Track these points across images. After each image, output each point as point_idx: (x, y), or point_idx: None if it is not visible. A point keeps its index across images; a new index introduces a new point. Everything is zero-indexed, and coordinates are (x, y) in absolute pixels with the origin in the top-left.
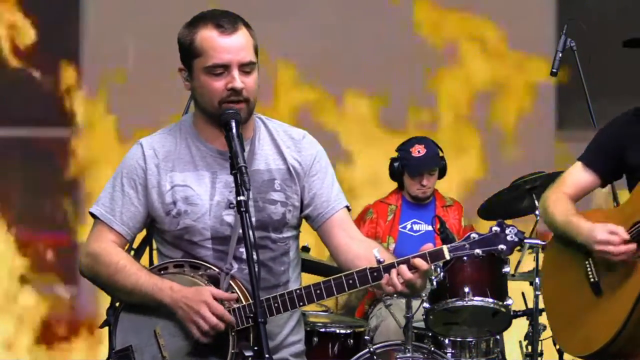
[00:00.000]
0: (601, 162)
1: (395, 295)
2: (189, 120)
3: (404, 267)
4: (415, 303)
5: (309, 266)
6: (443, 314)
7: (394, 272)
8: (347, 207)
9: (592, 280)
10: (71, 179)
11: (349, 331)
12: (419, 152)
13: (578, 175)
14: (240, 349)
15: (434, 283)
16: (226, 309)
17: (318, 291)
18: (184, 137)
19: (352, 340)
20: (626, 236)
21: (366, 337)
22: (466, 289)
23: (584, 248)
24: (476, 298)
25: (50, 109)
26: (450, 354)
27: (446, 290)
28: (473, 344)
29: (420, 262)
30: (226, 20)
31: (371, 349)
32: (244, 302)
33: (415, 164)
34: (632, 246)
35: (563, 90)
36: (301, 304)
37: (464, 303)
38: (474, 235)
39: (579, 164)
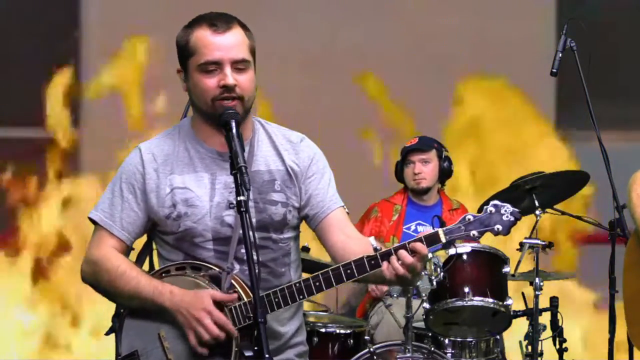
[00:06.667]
0: None
1: (395, 295)
2: (188, 122)
3: (403, 252)
4: (415, 303)
5: (309, 266)
6: (443, 314)
7: (393, 258)
8: (343, 208)
9: None
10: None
11: (349, 331)
12: (411, 142)
13: None
14: (240, 349)
15: (434, 283)
16: (227, 308)
17: (317, 283)
18: (182, 140)
19: (352, 340)
20: None
21: (366, 337)
22: (466, 289)
23: None
24: (476, 298)
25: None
26: (450, 354)
27: (446, 290)
28: (473, 344)
29: (419, 246)
30: (220, 20)
31: (371, 349)
32: (246, 300)
33: (407, 150)
34: None
35: (563, 90)
36: (301, 297)
37: (464, 303)
38: (469, 217)
39: None
